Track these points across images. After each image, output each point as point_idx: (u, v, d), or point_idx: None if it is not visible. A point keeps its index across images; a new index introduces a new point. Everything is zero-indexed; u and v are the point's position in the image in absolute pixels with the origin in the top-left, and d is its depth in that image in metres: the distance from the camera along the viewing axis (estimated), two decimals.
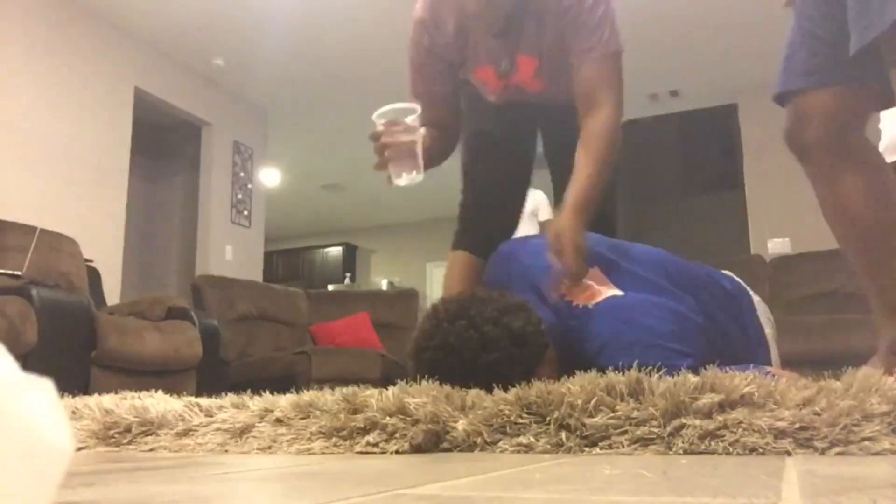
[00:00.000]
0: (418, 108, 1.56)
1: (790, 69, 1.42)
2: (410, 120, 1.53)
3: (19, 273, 3.14)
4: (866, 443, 0.78)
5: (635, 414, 0.90)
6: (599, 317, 1.33)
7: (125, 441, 1.22)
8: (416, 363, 1.26)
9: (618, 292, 1.37)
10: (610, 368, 1.03)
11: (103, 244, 4.93)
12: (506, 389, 1.13)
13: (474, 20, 1.65)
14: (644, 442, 0.87)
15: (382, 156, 1.54)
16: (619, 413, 0.90)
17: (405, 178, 1.53)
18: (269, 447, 1.05)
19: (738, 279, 1.58)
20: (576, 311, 1.37)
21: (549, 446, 0.91)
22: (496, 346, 1.21)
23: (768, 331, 1.51)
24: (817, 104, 1.37)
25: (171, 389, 1.71)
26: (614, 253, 1.49)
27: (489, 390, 1.12)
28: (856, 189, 1.35)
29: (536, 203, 4.65)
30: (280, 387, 1.58)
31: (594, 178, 1.55)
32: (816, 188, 1.42)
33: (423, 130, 1.59)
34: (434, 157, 1.77)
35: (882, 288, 1.35)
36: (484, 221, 1.87)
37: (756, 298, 1.55)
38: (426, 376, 1.15)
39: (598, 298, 1.36)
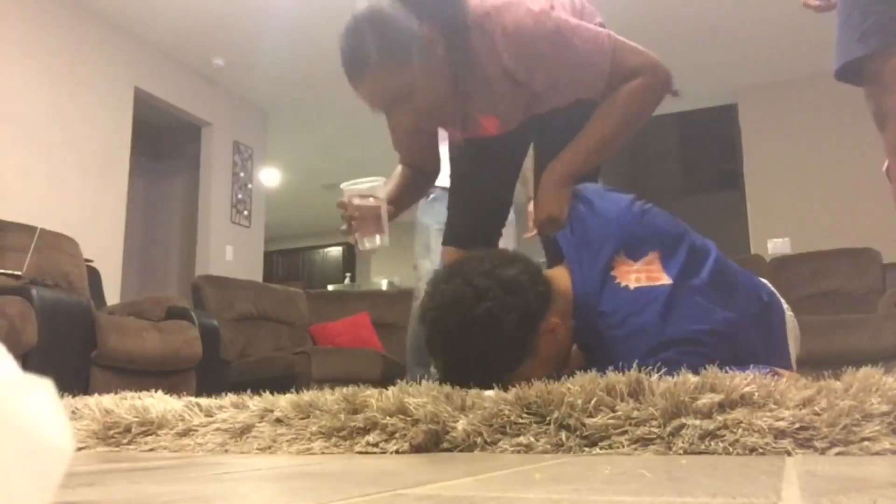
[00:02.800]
0: (381, 179, 1.62)
1: (846, 39, 1.29)
2: (374, 188, 1.61)
3: (19, 273, 3.14)
4: (866, 443, 0.78)
5: (635, 414, 0.90)
6: (632, 298, 1.26)
7: (125, 441, 1.22)
8: (422, 325, 1.32)
9: (666, 281, 1.27)
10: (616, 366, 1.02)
11: (103, 244, 4.93)
12: (510, 342, 1.22)
13: (423, 123, 1.59)
14: (644, 442, 0.87)
15: (349, 224, 1.60)
16: (619, 413, 0.90)
17: (370, 243, 1.62)
18: (269, 447, 1.05)
19: (773, 289, 1.46)
20: (613, 287, 1.29)
21: (549, 446, 0.91)
22: (487, 296, 1.23)
23: (792, 349, 1.42)
24: (891, 66, 1.23)
25: (171, 389, 1.71)
26: (675, 237, 1.35)
27: (494, 347, 1.20)
28: None
29: None
30: (280, 387, 1.57)
31: (599, 145, 1.48)
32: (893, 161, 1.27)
33: (386, 193, 1.64)
34: (414, 194, 1.90)
35: None
36: (466, 216, 1.87)
37: (788, 314, 1.45)
38: (433, 338, 1.27)
39: (641, 284, 1.28)
